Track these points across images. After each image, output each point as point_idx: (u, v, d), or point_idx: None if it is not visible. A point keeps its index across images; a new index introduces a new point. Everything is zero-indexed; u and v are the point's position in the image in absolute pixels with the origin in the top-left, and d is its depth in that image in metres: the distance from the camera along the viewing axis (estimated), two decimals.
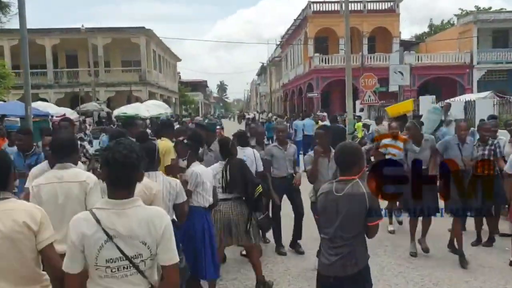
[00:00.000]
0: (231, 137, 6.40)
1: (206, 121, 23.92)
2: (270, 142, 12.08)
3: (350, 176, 3.19)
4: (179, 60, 52.07)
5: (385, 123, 12.01)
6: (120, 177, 2.22)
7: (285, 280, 5.62)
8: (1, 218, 2.38)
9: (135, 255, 2.20)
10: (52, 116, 16.70)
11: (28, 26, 11.33)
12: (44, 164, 4.16)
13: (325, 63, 33.18)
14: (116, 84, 33.77)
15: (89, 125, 21.04)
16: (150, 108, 23.00)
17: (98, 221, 2.17)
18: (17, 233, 2.39)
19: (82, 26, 30.89)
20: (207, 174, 4.72)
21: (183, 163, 5.17)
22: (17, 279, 2.42)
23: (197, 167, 4.63)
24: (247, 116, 34.90)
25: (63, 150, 3.63)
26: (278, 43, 49.37)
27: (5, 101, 17.83)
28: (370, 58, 32.61)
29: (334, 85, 32.29)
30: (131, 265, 2.19)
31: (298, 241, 6.66)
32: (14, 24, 14.54)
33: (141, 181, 2.35)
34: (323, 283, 3.29)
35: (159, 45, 40.44)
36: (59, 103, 27.75)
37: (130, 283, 2.22)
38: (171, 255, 2.26)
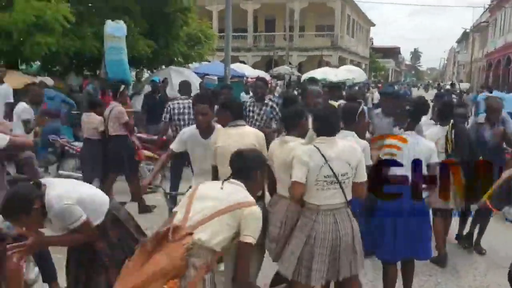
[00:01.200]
0: None
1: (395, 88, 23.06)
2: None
3: None
4: (373, 25, 50.63)
5: None
6: (325, 128, 3.24)
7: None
8: (241, 137, 3.65)
9: (342, 173, 3.13)
10: (247, 78, 18.08)
11: None
12: (193, 127, 4.25)
13: None
14: (308, 49, 34.57)
15: (280, 87, 22.11)
16: (339, 73, 23.13)
17: (318, 149, 3.14)
18: None
19: None
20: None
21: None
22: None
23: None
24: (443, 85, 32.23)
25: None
26: (487, 6, 44.26)
27: (209, 61, 19.81)
28: None
29: None
30: (337, 181, 3.12)
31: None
32: None
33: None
34: None
35: (354, 9, 39.91)
36: (255, 66, 29.61)
37: (336, 195, 3.15)
38: (363, 175, 3.26)
